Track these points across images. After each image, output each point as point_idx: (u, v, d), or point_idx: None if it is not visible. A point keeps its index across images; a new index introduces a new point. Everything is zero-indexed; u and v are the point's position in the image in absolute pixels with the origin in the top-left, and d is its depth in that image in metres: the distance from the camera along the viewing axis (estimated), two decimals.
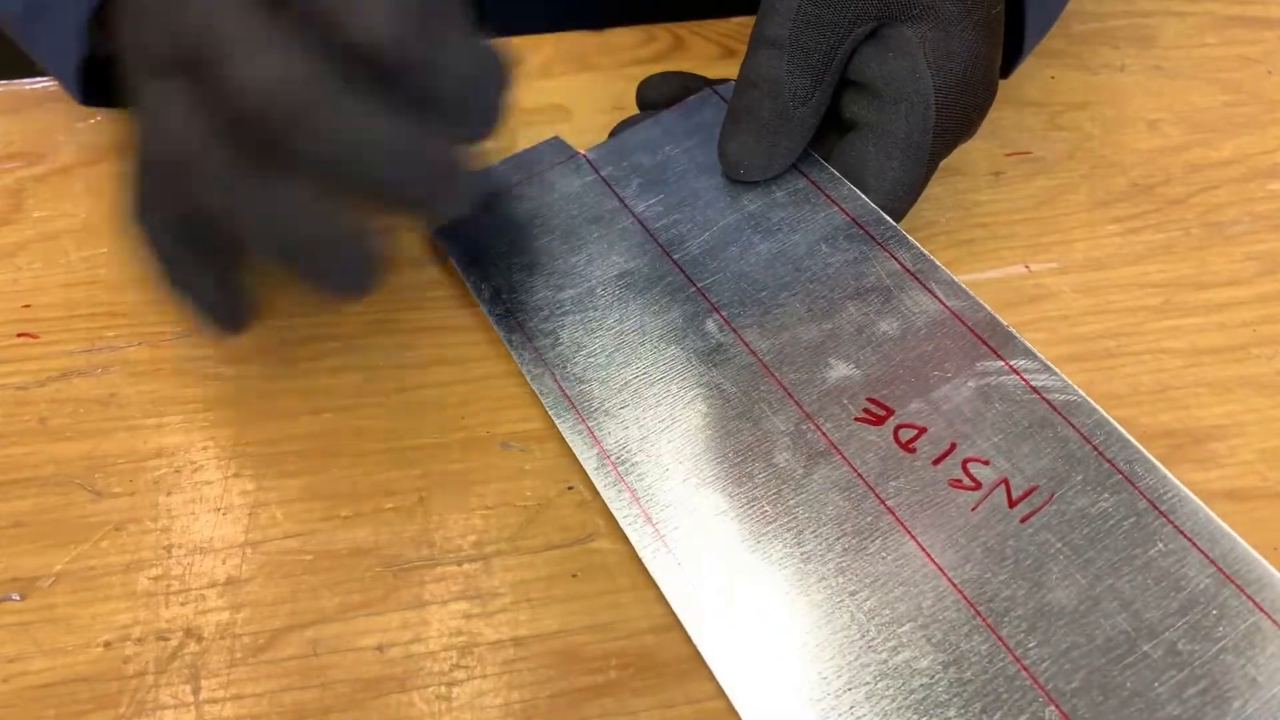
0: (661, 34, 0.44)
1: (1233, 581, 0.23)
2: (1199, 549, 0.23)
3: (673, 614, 0.25)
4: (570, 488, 0.28)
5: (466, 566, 0.26)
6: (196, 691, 0.24)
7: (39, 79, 0.41)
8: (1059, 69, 0.42)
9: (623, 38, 0.43)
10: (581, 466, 0.27)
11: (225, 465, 0.28)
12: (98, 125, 0.39)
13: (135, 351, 0.31)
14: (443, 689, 0.24)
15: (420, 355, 0.31)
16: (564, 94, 0.40)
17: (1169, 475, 0.24)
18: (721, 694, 0.23)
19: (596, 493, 0.27)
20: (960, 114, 0.31)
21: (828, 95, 0.31)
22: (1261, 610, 0.22)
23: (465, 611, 0.25)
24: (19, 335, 0.31)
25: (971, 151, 0.38)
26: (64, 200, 0.36)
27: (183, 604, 0.25)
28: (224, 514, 0.27)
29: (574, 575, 0.26)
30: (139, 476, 0.28)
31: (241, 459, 0.28)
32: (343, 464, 0.28)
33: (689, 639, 0.24)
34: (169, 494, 0.28)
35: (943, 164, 0.38)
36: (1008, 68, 0.36)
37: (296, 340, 0.32)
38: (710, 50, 0.42)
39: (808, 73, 0.30)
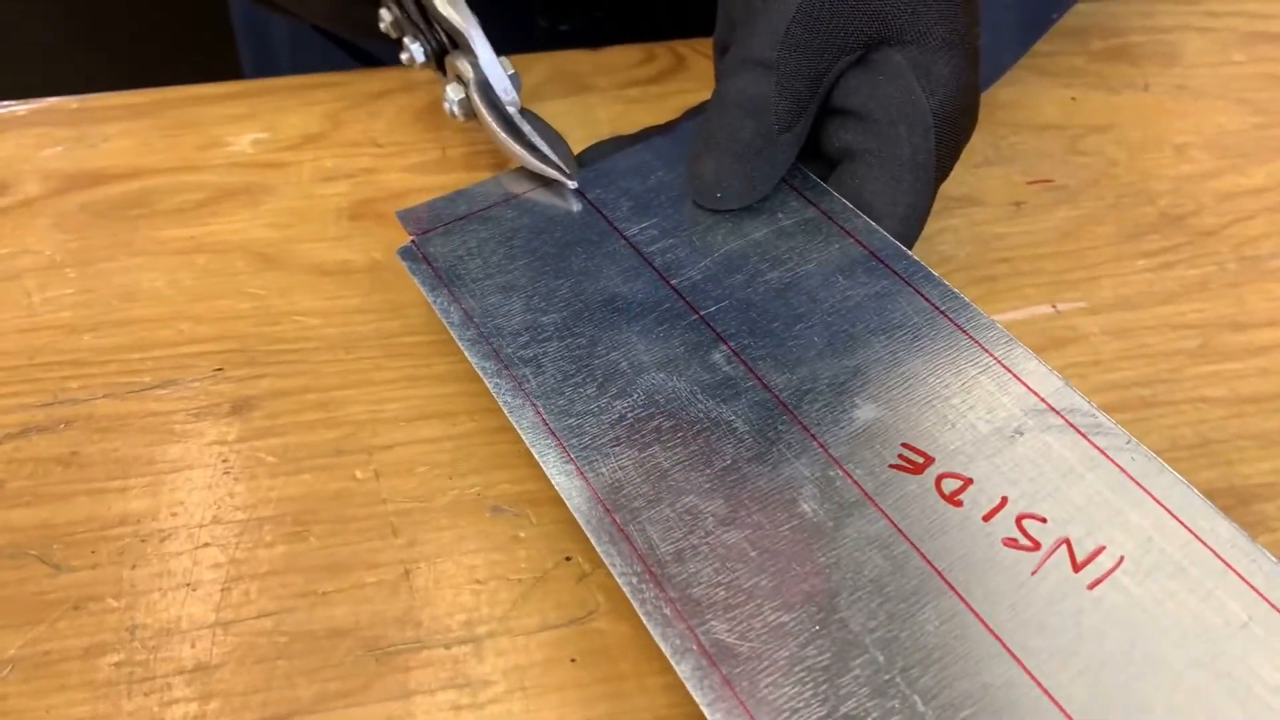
0: (662, 53, 0.42)
1: None
2: None
3: (683, 703, 0.23)
4: (568, 559, 0.26)
5: (455, 650, 0.24)
6: None
7: (3, 102, 0.39)
8: (1079, 89, 0.40)
9: (621, 57, 0.41)
10: (581, 534, 0.25)
11: (194, 534, 0.26)
12: (64, 153, 0.37)
13: (101, 405, 0.29)
14: None
15: (404, 408, 0.29)
16: (559, 117, 0.38)
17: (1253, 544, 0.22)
18: None
19: (597, 564, 0.25)
20: (952, 139, 0.29)
21: (809, 125, 0.29)
22: None
23: (454, 702, 0.23)
24: None
25: (989, 179, 0.36)
26: (27, 235, 0.34)
27: (146, 694, 0.23)
28: (193, 590, 0.25)
29: (572, 660, 0.24)
30: (101, 547, 0.26)
31: (212, 527, 0.26)
32: (321, 532, 0.26)
33: None
34: (133, 567, 0.26)
35: (960, 194, 0.36)
36: None
37: (270, 394, 0.29)
38: (712, 69, 0.40)
39: (793, 98, 0.29)
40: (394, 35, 0.36)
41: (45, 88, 0.41)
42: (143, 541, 0.26)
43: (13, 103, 0.39)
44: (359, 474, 0.27)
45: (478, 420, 0.29)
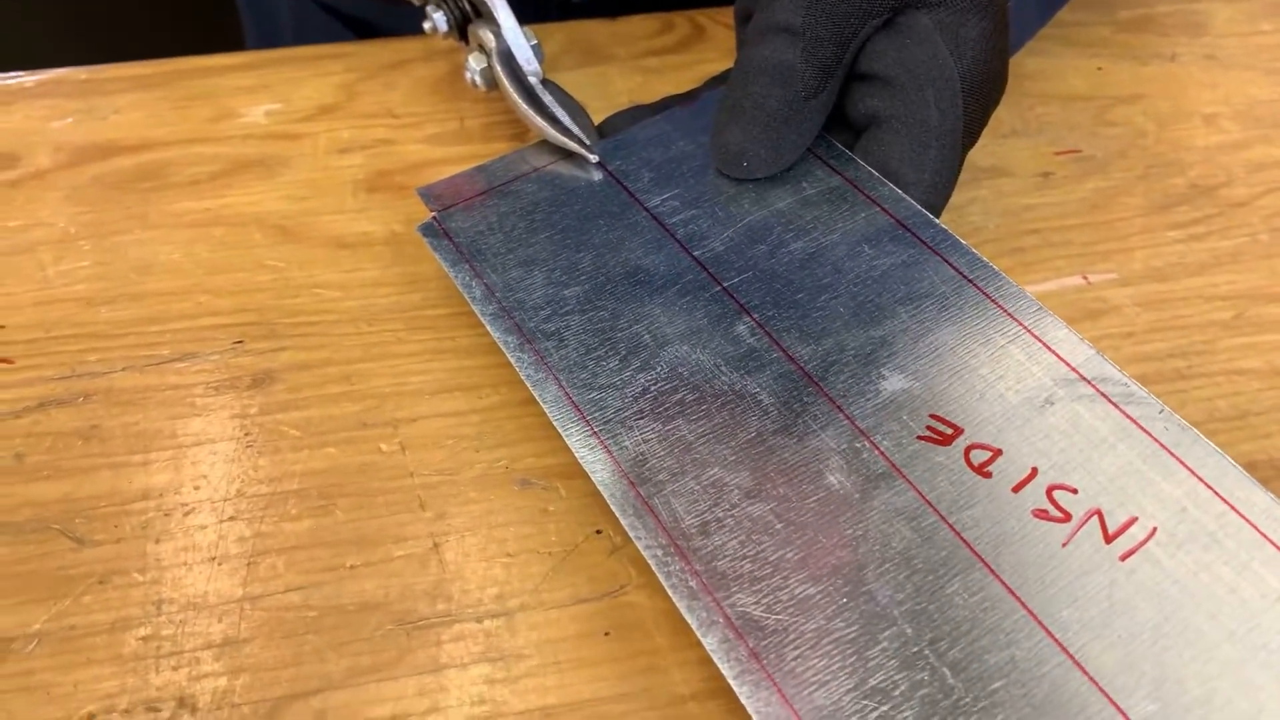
0: (680, 21, 0.41)
1: None
2: None
3: (718, 677, 0.22)
4: (599, 531, 0.25)
5: (487, 624, 0.24)
6: None
7: (11, 73, 0.38)
8: (1106, 59, 0.39)
9: (638, 26, 0.41)
10: (610, 508, 0.25)
11: (219, 508, 0.26)
12: (74, 125, 0.36)
13: (120, 378, 0.29)
14: None
15: (427, 381, 0.29)
16: (576, 88, 0.37)
17: None
18: None
19: (627, 538, 0.25)
20: (980, 104, 0.29)
21: (835, 91, 0.29)
22: None
23: (487, 676, 0.23)
24: None
25: (1017, 149, 0.35)
26: (40, 208, 0.34)
27: (175, 668, 0.23)
28: (219, 564, 0.25)
29: (606, 633, 0.24)
30: (124, 521, 0.26)
31: (238, 500, 0.26)
32: (347, 506, 0.26)
33: (737, 706, 0.22)
34: (158, 541, 0.25)
35: (988, 164, 0.35)
36: None
37: (291, 366, 0.29)
38: (733, 38, 0.40)
39: (819, 64, 0.28)
40: (417, 3, 0.35)
41: (44, 58, 0.40)
42: (166, 515, 0.26)
43: (20, 74, 0.39)
44: (384, 447, 0.27)
45: (503, 393, 0.28)
